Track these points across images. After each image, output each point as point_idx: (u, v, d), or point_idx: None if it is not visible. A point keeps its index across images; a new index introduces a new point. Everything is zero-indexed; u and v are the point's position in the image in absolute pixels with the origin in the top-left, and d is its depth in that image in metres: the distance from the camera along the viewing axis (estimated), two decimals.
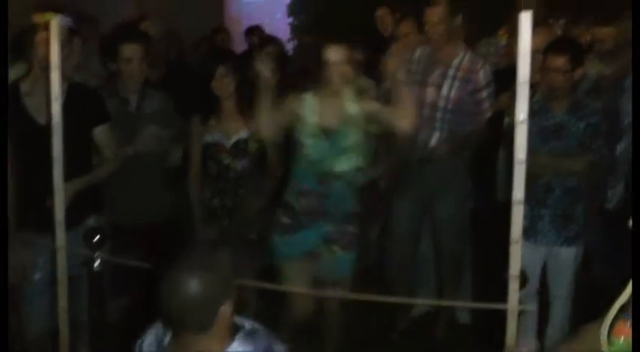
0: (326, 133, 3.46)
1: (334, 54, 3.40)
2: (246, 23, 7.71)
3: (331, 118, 3.46)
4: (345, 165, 3.46)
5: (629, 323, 1.64)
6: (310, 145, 3.46)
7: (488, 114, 3.97)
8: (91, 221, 3.43)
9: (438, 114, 3.96)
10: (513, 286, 2.26)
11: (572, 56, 3.59)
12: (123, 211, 3.73)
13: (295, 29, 9.35)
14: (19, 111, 3.36)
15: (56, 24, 2.79)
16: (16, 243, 3.30)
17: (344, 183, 3.50)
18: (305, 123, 3.47)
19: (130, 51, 3.76)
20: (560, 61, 3.56)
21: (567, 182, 3.67)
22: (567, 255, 3.74)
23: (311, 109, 3.49)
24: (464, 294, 4.28)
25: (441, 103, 3.95)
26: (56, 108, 2.85)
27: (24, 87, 3.41)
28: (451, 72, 3.94)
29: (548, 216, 3.70)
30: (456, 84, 3.93)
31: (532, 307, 2.46)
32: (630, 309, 1.65)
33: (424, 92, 3.97)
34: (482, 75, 3.92)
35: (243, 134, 3.80)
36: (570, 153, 3.62)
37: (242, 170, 3.78)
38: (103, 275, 2.99)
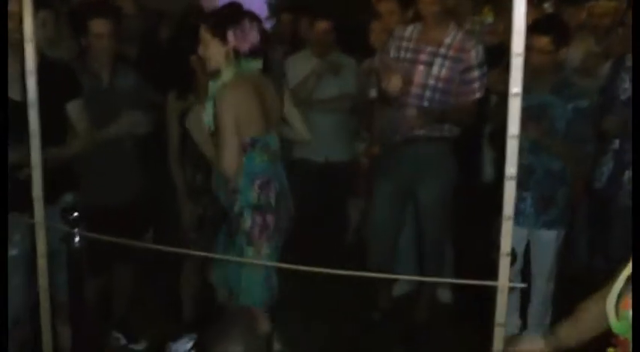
0: None
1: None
2: (221, 1, 7.59)
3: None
4: None
5: None
6: None
7: (480, 94, 3.91)
8: (67, 197, 3.36)
9: (427, 93, 3.90)
10: (504, 263, 2.21)
11: (556, 36, 3.54)
12: (101, 190, 3.66)
13: (273, 7, 9.23)
14: None
15: None
16: None
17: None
18: None
19: (100, 26, 3.69)
20: (543, 41, 3.51)
21: (550, 164, 3.66)
22: (548, 238, 3.75)
23: None
24: (446, 273, 4.27)
25: (431, 82, 3.89)
26: (31, 82, 2.75)
27: None
28: (442, 50, 3.88)
29: (529, 199, 3.69)
30: (447, 63, 3.87)
31: (522, 284, 2.42)
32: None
33: (414, 70, 3.91)
34: (474, 54, 3.86)
35: None
36: (556, 135, 3.58)
37: None
38: (82, 251, 2.91)
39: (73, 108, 3.42)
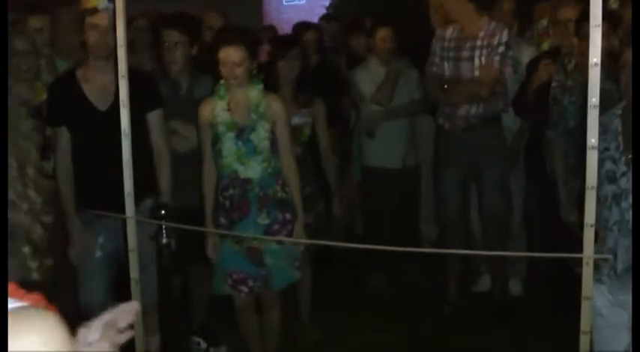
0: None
1: (225, 55, 3.36)
2: (285, 26, 7.79)
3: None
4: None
5: None
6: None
7: (509, 74, 4.19)
8: (147, 202, 3.40)
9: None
10: (588, 234, 2.22)
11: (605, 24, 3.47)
12: (178, 193, 3.65)
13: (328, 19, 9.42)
14: (78, 97, 3.41)
15: (121, 1, 2.83)
16: (76, 223, 3.41)
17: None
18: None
19: (174, 36, 3.80)
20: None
21: None
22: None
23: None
24: (518, 268, 4.39)
25: (476, 74, 4.08)
26: (123, 85, 2.88)
27: (80, 74, 3.45)
28: (479, 42, 4.09)
29: None
30: (485, 51, 4.06)
31: (607, 256, 2.39)
32: None
33: (459, 67, 4.13)
34: (499, 37, 4.05)
35: (297, 120, 3.84)
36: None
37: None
38: (170, 247, 3.02)
39: (153, 119, 3.51)
